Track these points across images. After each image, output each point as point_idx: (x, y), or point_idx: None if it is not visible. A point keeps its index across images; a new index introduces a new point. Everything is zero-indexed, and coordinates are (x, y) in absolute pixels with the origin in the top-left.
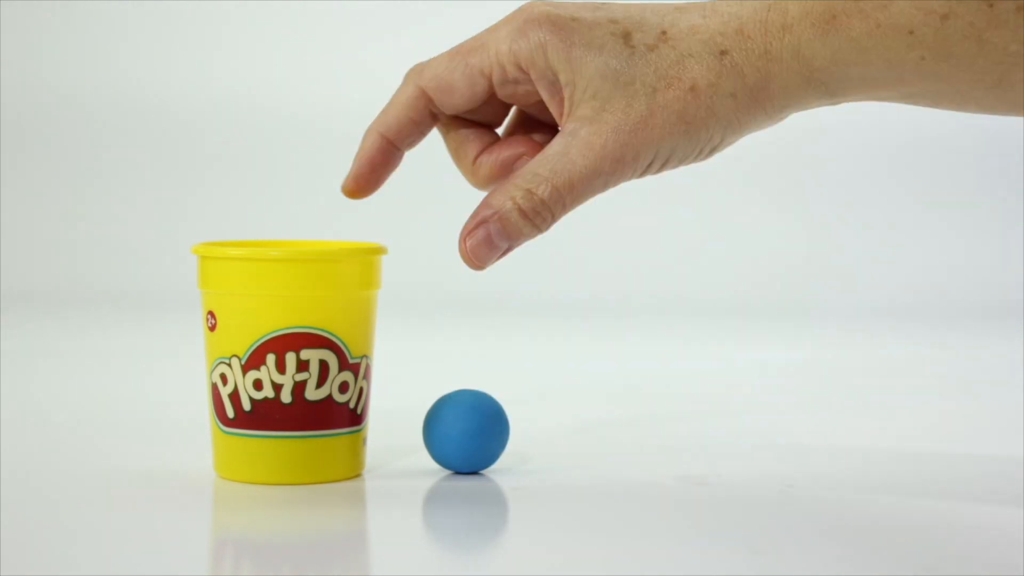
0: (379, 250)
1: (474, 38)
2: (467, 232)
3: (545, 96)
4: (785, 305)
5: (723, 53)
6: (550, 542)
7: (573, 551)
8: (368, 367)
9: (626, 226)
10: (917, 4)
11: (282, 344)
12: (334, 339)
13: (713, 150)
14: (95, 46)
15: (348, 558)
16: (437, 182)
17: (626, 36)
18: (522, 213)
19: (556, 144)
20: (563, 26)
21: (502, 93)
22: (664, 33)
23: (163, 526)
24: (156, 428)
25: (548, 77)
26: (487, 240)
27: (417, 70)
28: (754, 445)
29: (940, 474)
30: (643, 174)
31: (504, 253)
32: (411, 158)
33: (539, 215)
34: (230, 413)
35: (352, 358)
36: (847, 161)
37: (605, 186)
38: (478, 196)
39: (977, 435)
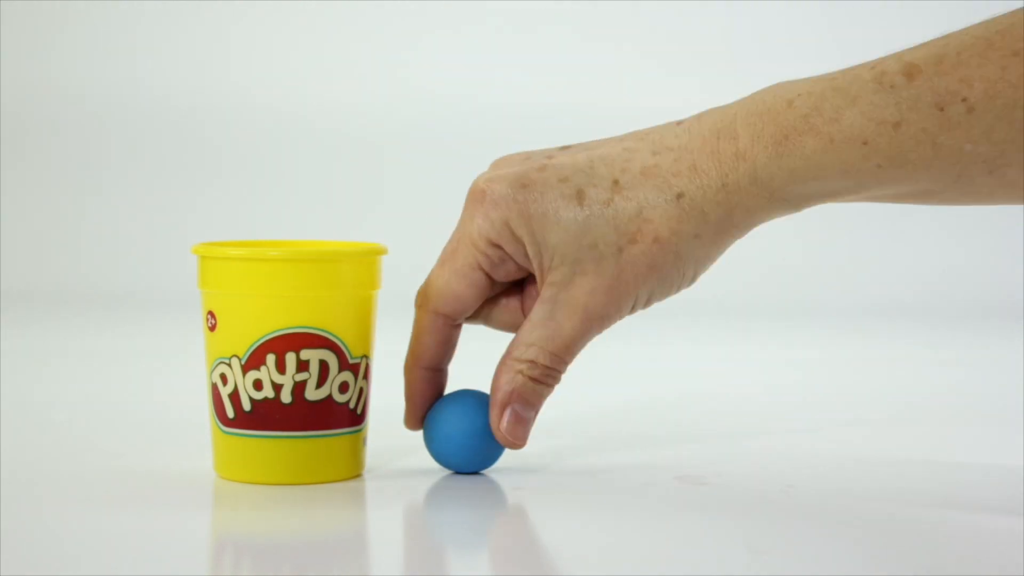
0: (379, 250)
1: (450, 241)
2: (496, 421)
3: (523, 263)
4: (785, 305)
5: (680, 196)
6: (550, 542)
7: (573, 551)
8: (368, 367)
9: None
10: (868, 115)
11: (282, 344)
12: (334, 339)
13: (691, 281)
14: (95, 46)
15: (348, 558)
16: (437, 182)
17: (579, 195)
18: (534, 381)
19: (539, 311)
20: (516, 197)
21: (498, 276)
22: (616, 183)
23: (163, 526)
24: (156, 428)
25: (520, 250)
26: (516, 419)
27: (421, 296)
28: (754, 445)
29: (940, 474)
30: (630, 313)
31: (535, 418)
32: (411, 158)
33: (548, 376)
34: (230, 413)
35: (352, 358)
36: None
37: (597, 335)
38: None
39: (977, 436)
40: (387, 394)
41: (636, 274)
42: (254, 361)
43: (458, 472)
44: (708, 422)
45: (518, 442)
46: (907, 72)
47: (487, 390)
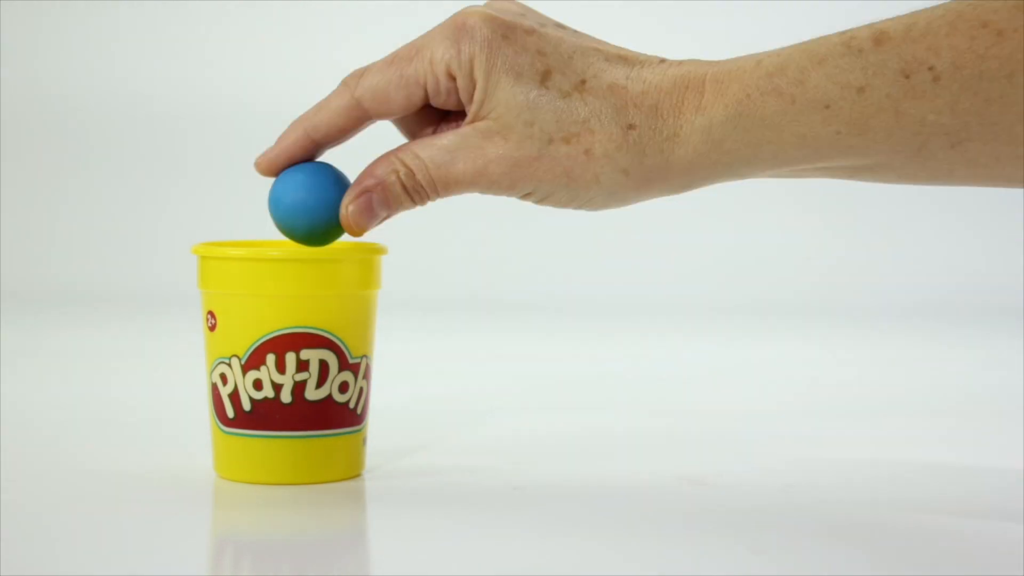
0: (379, 250)
1: (409, 45)
2: (350, 199)
3: (464, 98)
4: (786, 306)
5: (631, 127)
6: (550, 542)
7: (573, 551)
8: (368, 367)
9: (628, 226)
10: (833, 78)
11: (282, 344)
12: (334, 339)
13: (595, 209)
14: (96, 46)
15: (348, 558)
16: None
17: (545, 74)
18: (404, 188)
19: (448, 137)
20: (493, 42)
21: (436, 102)
22: (583, 83)
23: (163, 526)
24: (156, 428)
25: (470, 89)
26: (368, 208)
27: (354, 79)
28: (754, 445)
29: (939, 475)
30: (523, 200)
31: (383, 220)
32: None
33: (418, 194)
34: (230, 413)
35: (352, 358)
36: None
37: (484, 192)
38: (482, 197)
39: (977, 436)
40: (387, 394)
41: (549, 169)
42: (254, 361)
43: (291, 238)
44: (708, 422)
45: (357, 228)
46: (876, 38)
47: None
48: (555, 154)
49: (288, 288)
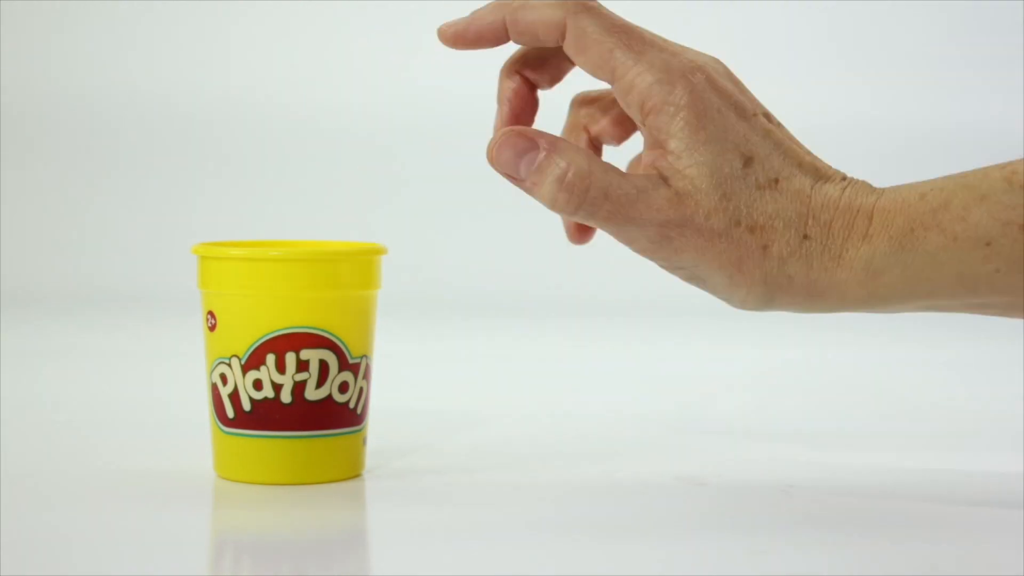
0: (379, 250)
1: (640, 38)
2: (518, 134)
3: (646, 140)
4: None
5: (806, 238)
6: (550, 542)
7: (573, 551)
8: (368, 367)
9: None
10: (995, 214)
11: (282, 344)
12: (334, 339)
13: (741, 307)
14: (96, 46)
15: (348, 558)
16: (437, 182)
17: (747, 161)
18: (560, 182)
19: (640, 179)
20: (706, 109)
21: (612, 90)
22: (776, 182)
23: (163, 526)
24: (156, 428)
25: (659, 135)
26: (519, 156)
27: (575, 5)
28: (754, 445)
29: (940, 474)
30: (670, 271)
31: (514, 181)
32: (412, 158)
33: (570, 199)
34: (230, 413)
35: (352, 358)
36: (847, 160)
37: (631, 244)
38: (482, 197)
39: (977, 436)
40: (387, 394)
41: (724, 251)
42: (254, 361)
43: None
44: (707, 422)
45: (495, 157)
46: None
47: None
48: (737, 238)
49: (288, 288)
